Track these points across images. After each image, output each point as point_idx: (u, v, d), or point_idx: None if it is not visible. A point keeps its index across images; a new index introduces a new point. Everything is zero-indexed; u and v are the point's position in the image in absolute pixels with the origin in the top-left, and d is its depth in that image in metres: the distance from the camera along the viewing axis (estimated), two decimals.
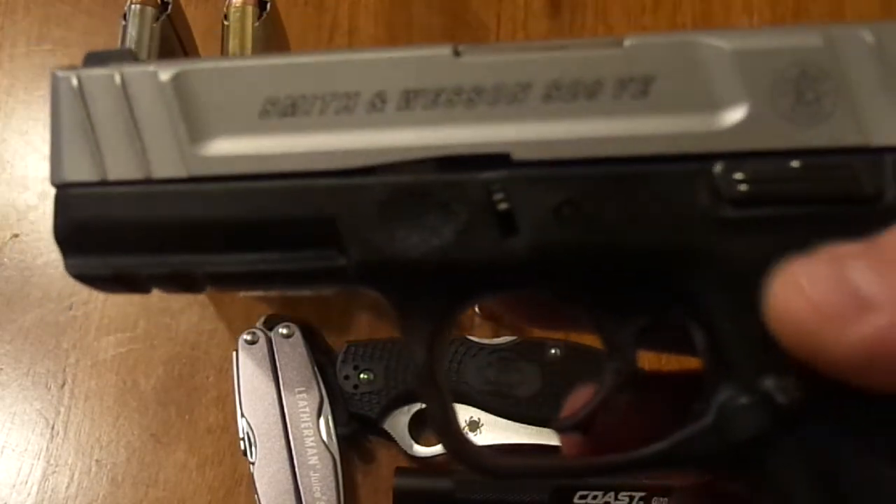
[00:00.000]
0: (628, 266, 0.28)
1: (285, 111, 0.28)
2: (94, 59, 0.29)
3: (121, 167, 0.28)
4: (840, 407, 0.26)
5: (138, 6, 0.62)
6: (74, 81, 0.29)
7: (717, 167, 0.27)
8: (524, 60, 0.28)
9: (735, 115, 0.27)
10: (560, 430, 0.31)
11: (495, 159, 0.28)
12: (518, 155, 0.28)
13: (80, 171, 0.29)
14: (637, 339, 0.29)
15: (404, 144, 0.28)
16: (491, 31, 0.84)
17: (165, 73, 0.29)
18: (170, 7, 0.64)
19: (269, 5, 0.64)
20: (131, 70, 0.29)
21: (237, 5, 0.63)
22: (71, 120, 0.29)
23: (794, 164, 0.26)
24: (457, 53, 0.28)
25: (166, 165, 0.28)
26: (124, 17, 0.62)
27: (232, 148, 0.28)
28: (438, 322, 0.29)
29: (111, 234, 0.29)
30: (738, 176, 0.27)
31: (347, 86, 0.28)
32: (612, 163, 0.27)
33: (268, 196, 0.28)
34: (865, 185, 0.26)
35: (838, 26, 0.27)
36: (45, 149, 0.80)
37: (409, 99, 0.28)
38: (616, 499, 0.66)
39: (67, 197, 0.29)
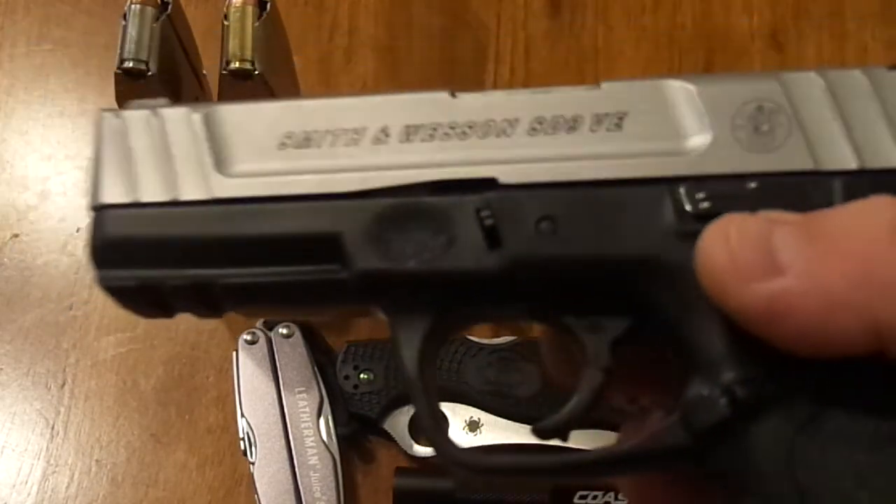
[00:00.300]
0: (600, 275, 0.30)
1: (300, 144, 0.32)
2: (135, 104, 0.34)
3: (152, 191, 0.32)
4: (800, 399, 0.27)
5: (138, 6, 0.62)
6: (118, 120, 0.33)
7: (682, 188, 0.30)
8: (512, 100, 0.32)
9: (699, 144, 0.30)
10: (540, 435, 0.32)
11: (484, 183, 0.31)
12: (504, 179, 0.31)
13: (116, 194, 0.32)
14: (612, 348, 0.31)
15: (404, 170, 0.31)
16: (491, 32, 0.83)
17: (197, 113, 0.33)
18: (170, 7, 0.64)
19: (269, 5, 0.64)
20: (168, 111, 0.33)
21: (237, 5, 0.63)
22: (112, 151, 0.32)
23: (751, 185, 0.30)
24: (453, 95, 0.32)
25: (192, 189, 0.32)
26: (124, 17, 0.62)
27: (252, 174, 0.32)
28: (429, 333, 0.31)
29: (140, 249, 0.32)
30: (701, 195, 0.30)
31: (355, 122, 0.32)
32: (589, 185, 0.31)
33: (282, 216, 0.31)
34: (815, 203, 0.28)
35: (791, 72, 0.31)
36: (45, 149, 0.81)
37: (409, 133, 0.32)
38: (616, 499, 0.66)
39: (104, 217, 0.32)
